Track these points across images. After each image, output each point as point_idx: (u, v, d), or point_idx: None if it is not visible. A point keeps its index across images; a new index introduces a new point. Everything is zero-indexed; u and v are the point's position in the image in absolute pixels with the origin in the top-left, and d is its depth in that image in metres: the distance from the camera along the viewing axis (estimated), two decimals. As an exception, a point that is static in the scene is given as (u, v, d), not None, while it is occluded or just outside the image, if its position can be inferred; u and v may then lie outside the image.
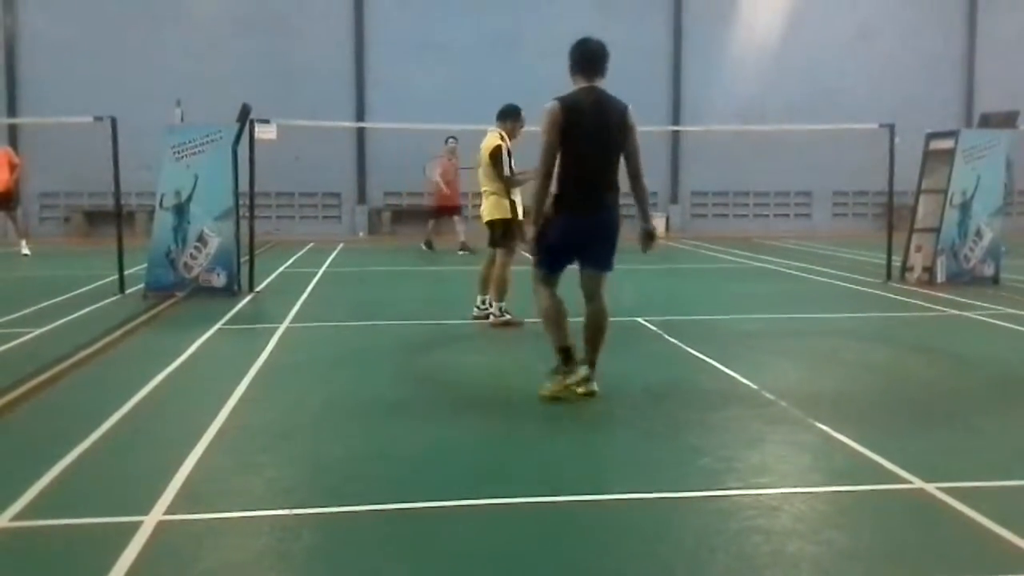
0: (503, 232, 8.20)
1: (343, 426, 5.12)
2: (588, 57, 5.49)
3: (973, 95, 22.17)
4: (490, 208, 8.31)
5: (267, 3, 20.34)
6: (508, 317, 8.16)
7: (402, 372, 6.57)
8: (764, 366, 6.72)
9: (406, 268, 13.96)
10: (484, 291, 8.45)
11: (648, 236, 5.67)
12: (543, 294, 5.61)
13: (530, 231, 5.52)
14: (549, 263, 5.57)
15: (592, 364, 5.56)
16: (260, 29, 20.20)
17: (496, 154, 8.16)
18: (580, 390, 5.49)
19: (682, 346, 7.31)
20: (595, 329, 5.56)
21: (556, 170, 5.38)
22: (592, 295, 5.55)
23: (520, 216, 8.04)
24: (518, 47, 20.91)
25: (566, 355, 5.55)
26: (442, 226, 17.56)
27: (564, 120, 5.34)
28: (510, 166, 8.15)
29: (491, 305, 8.32)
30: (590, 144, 5.37)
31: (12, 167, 15.41)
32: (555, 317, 5.58)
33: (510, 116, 8.44)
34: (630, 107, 5.52)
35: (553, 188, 5.41)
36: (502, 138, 8.27)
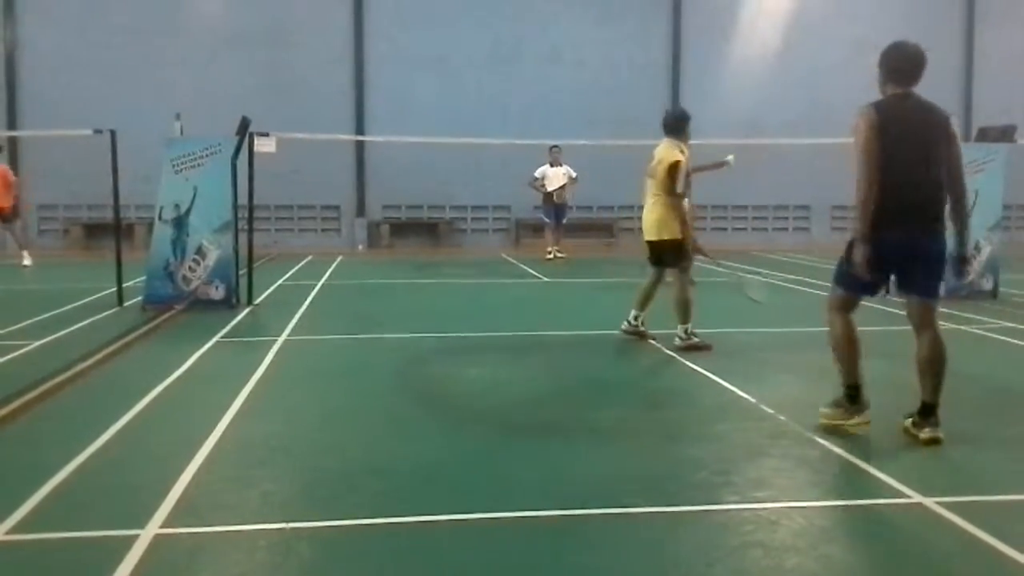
0: (677, 253, 7.70)
1: (340, 440, 5.11)
2: (906, 62, 5.09)
3: (971, 109, 22.23)
4: (658, 226, 7.73)
5: (267, 16, 20.39)
6: (696, 340, 7.60)
7: (400, 385, 6.56)
8: (762, 379, 6.71)
9: (405, 281, 13.96)
10: (641, 307, 7.99)
11: (962, 261, 5.20)
12: (837, 321, 5.19)
13: (860, 251, 4.94)
14: (849, 283, 5.13)
15: (929, 406, 4.99)
16: (260, 42, 20.25)
17: (676, 168, 7.59)
18: (925, 436, 4.90)
19: (680, 359, 7.31)
20: (925, 362, 5.06)
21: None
22: (919, 326, 5.12)
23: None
24: (518, 59, 20.98)
25: (851, 393, 5.14)
26: (447, 239, 17.54)
27: (880, 127, 4.91)
28: (684, 183, 7.73)
29: (635, 322, 7.99)
30: (908, 153, 4.90)
31: (8, 185, 15.43)
32: (845, 348, 5.15)
33: (687, 124, 7.94)
34: (952, 117, 5.17)
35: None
36: (682, 152, 7.73)
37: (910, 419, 5.05)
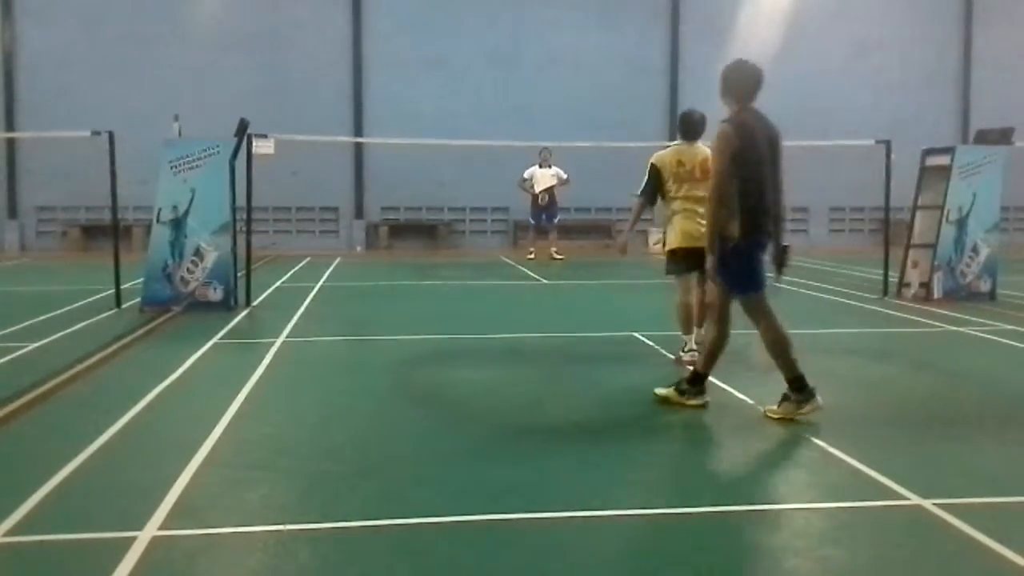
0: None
1: (338, 441, 5.10)
2: (752, 80, 5.55)
3: (969, 111, 22.25)
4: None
5: (265, 18, 20.39)
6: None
7: (398, 387, 6.56)
8: (761, 382, 6.69)
9: (403, 283, 13.96)
10: (696, 328, 7.35)
11: (783, 250, 5.70)
12: (771, 322, 5.54)
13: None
14: (758, 283, 5.53)
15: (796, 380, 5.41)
16: (258, 44, 20.25)
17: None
18: (805, 411, 5.35)
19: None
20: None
21: (735, 191, 5.39)
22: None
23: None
24: (517, 62, 21.00)
25: (799, 384, 5.41)
26: (446, 241, 17.53)
27: (739, 144, 5.35)
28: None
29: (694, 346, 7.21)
30: (763, 163, 5.45)
31: None
32: (785, 344, 5.49)
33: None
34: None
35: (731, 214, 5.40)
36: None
37: (805, 405, 5.38)
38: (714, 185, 5.39)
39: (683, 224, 7.15)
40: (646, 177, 7.35)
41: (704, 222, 6.70)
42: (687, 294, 7.25)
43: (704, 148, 7.26)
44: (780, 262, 5.75)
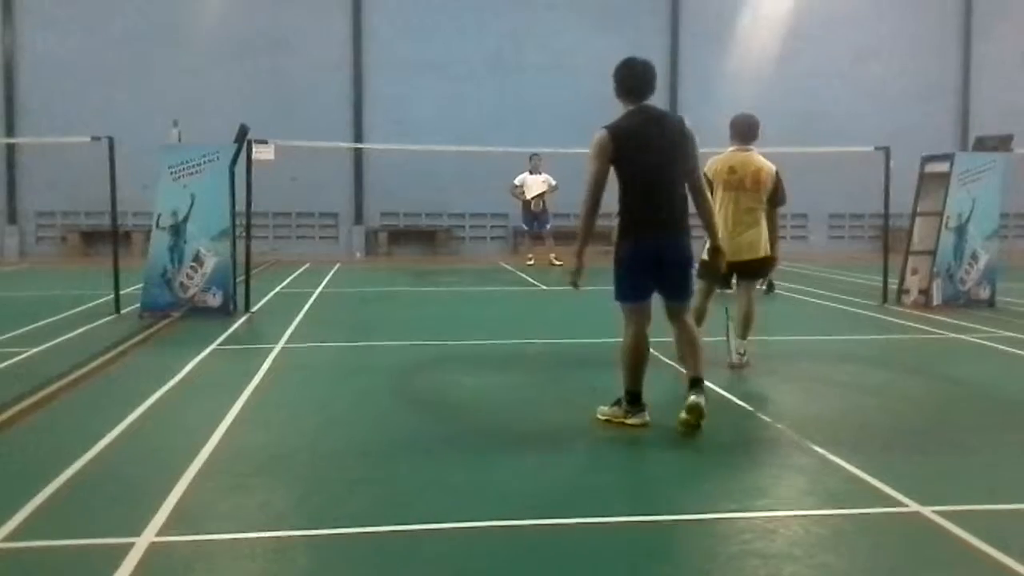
0: (768, 265, 7.37)
1: (337, 448, 5.10)
2: (637, 79, 5.34)
3: (968, 118, 22.30)
4: (765, 242, 7.08)
5: (265, 24, 20.43)
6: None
7: (398, 393, 6.55)
8: (760, 388, 6.71)
9: (403, 289, 13.96)
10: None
11: (715, 252, 5.54)
12: (632, 331, 5.36)
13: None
14: (627, 293, 5.34)
15: (694, 380, 5.25)
16: (258, 50, 20.28)
17: (780, 180, 7.19)
18: (685, 416, 5.13)
19: (676, 367, 7.28)
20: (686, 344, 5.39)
21: (619, 196, 5.28)
22: (675, 319, 5.41)
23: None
24: (516, 67, 21.04)
25: (633, 397, 5.36)
26: (445, 247, 17.53)
27: (614, 147, 5.22)
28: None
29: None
30: (649, 165, 5.20)
31: None
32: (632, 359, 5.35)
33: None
34: (685, 118, 5.42)
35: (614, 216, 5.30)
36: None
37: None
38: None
39: (730, 233, 6.81)
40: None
41: (750, 232, 6.98)
42: (705, 300, 7.07)
43: (758, 158, 7.14)
44: (708, 266, 5.73)
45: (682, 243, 5.28)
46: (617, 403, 5.42)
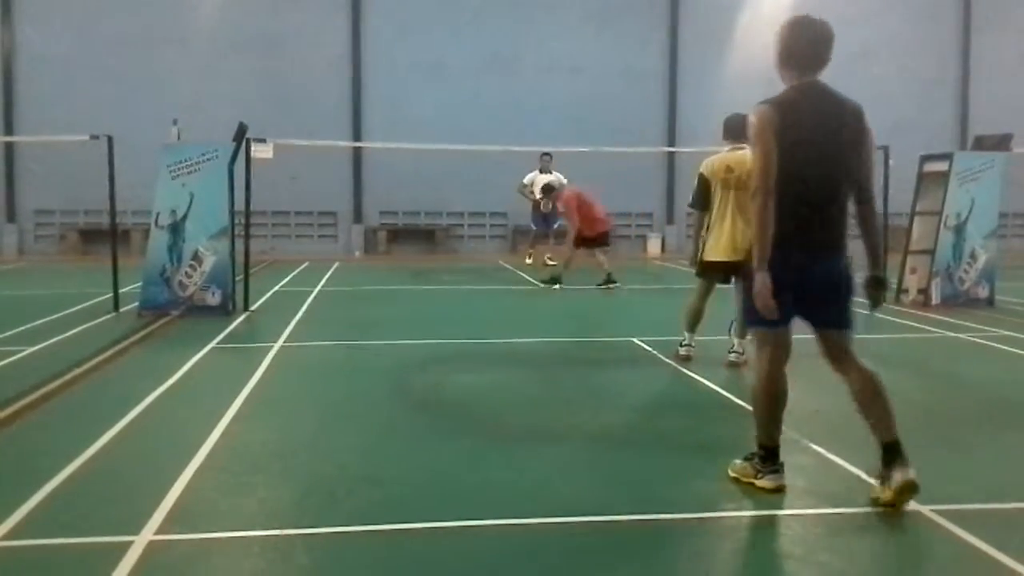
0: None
1: (335, 446, 5.10)
2: (816, 43, 4.26)
3: (967, 117, 22.31)
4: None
5: (264, 23, 20.42)
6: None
7: (396, 392, 6.55)
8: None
9: (402, 287, 13.96)
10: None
11: (876, 284, 4.16)
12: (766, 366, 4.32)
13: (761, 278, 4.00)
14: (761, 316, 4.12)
15: (890, 446, 4.00)
16: (257, 49, 20.27)
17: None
18: (895, 497, 3.91)
19: (676, 366, 7.30)
20: (868, 396, 4.17)
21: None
22: (838, 359, 4.30)
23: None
24: (515, 67, 21.03)
25: (767, 453, 4.26)
26: (444, 245, 17.41)
27: (780, 125, 3.94)
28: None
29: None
30: (817, 159, 3.99)
31: None
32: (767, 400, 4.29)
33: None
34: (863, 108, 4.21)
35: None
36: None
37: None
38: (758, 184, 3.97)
39: (728, 233, 6.97)
40: (696, 187, 7.34)
41: (749, 231, 5.73)
42: (702, 300, 7.35)
43: None
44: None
45: (841, 264, 4.09)
46: (750, 458, 4.34)
